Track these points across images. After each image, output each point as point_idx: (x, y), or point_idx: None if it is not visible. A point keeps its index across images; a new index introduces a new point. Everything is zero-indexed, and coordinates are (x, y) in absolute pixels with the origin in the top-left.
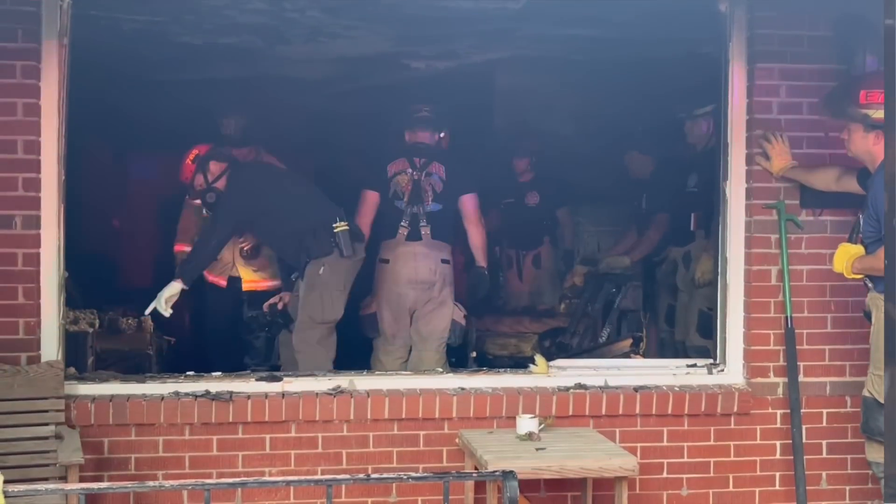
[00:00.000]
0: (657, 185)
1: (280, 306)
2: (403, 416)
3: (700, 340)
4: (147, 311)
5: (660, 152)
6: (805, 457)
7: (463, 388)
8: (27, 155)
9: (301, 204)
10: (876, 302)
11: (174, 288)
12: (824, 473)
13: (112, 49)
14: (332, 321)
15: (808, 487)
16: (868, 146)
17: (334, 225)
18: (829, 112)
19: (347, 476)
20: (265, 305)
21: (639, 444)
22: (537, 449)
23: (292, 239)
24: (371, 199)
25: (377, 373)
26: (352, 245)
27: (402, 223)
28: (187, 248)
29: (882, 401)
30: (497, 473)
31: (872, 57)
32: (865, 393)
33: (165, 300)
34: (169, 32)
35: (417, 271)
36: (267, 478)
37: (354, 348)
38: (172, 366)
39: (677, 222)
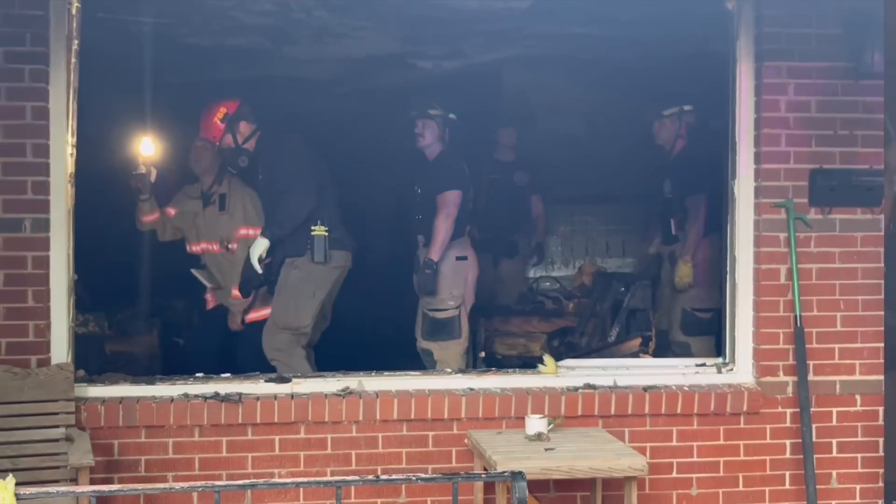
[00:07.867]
0: (682, 168)
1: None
2: (412, 416)
3: (683, 337)
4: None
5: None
6: (815, 456)
7: (472, 389)
8: (36, 158)
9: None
10: None
11: (263, 244)
12: (834, 472)
13: (120, 52)
14: (296, 328)
15: (818, 486)
16: None
17: (312, 227)
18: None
19: (357, 477)
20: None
21: (648, 444)
22: (546, 449)
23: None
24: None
25: (385, 373)
26: (326, 252)
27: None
28: (198, 247)
29: None
30: (506, 474)
31: (880, 54)
32: None
33: (258, 258)
34: (176, 34)
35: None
36: (276, 479)
37: (361, 349)
38: (181, 367)
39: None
